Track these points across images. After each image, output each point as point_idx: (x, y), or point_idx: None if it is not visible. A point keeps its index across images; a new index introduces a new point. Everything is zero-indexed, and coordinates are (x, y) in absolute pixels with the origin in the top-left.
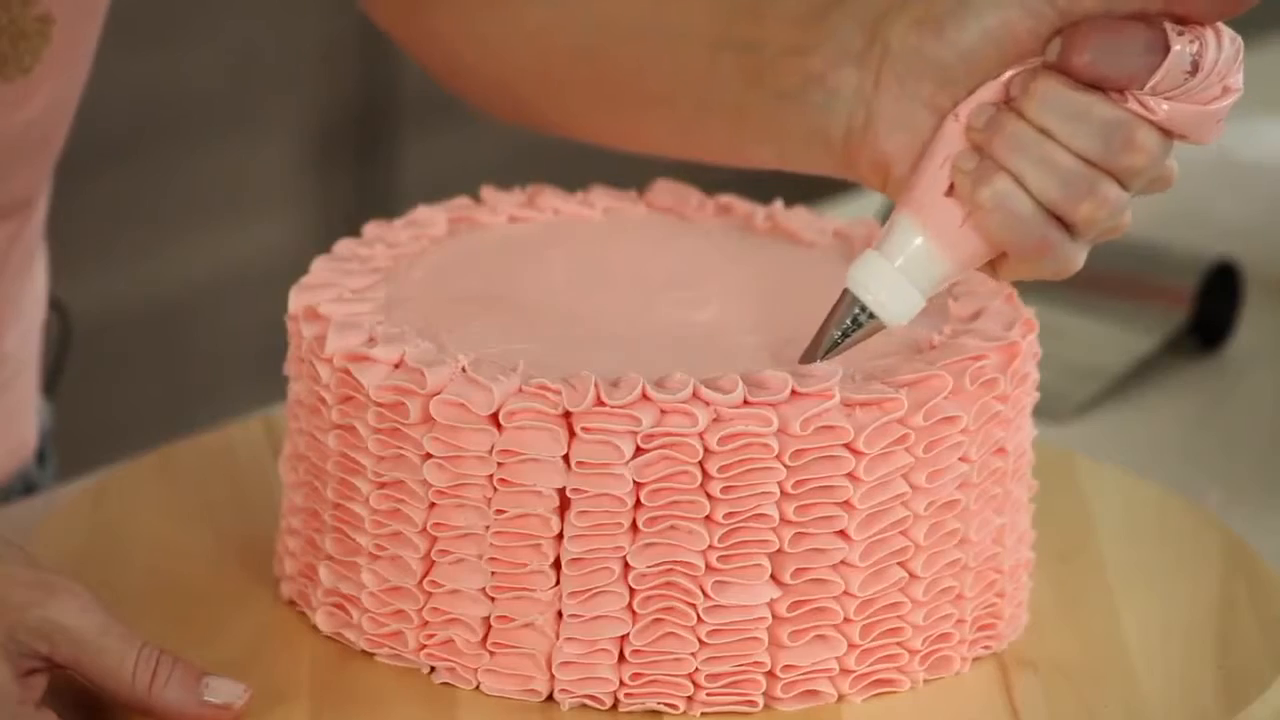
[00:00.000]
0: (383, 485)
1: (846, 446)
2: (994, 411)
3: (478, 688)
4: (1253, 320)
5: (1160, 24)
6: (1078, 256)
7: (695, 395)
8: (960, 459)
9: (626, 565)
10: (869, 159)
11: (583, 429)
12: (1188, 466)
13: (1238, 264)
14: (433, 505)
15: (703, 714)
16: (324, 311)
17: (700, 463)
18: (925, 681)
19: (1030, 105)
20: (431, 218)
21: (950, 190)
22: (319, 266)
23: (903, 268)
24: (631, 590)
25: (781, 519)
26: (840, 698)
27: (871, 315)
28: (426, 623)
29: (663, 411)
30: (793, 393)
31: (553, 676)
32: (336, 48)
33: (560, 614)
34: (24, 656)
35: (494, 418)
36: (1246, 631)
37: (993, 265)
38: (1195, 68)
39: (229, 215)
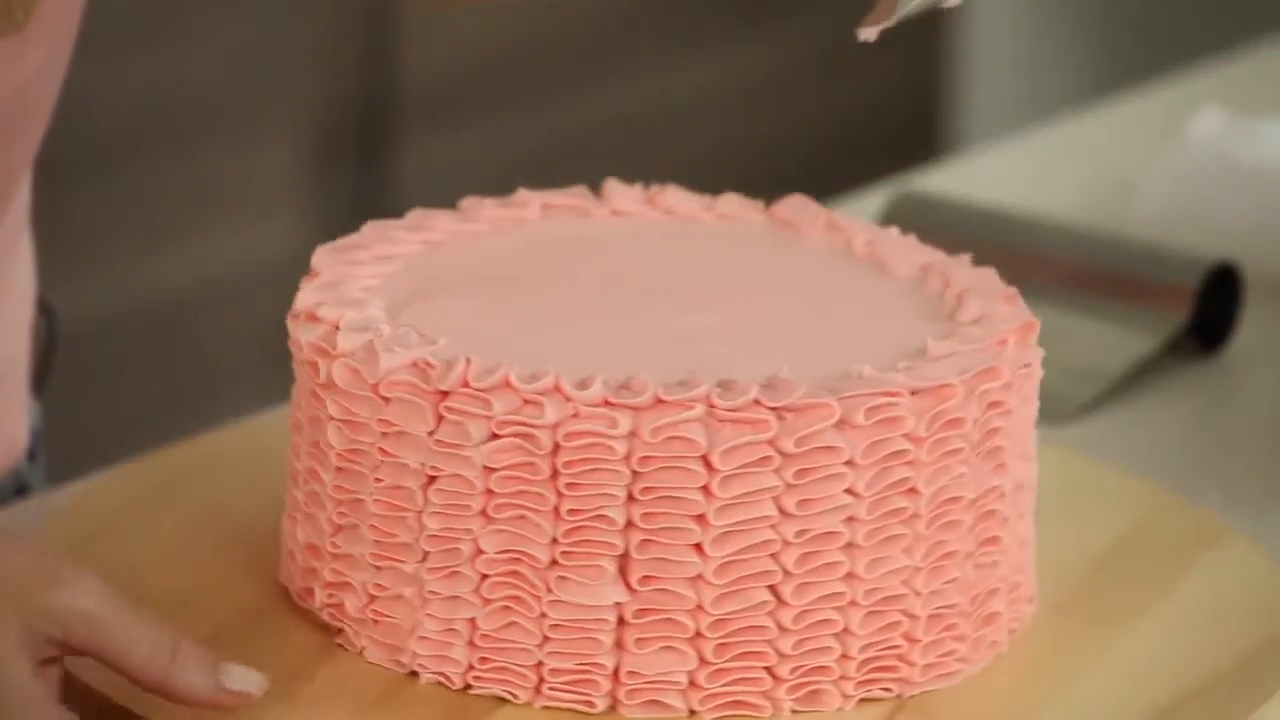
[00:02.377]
0: (311, 445)
1: (702, 460)
2: (896, 450)
3: (362, 653)
4: (1253, 322)
5: None
6: None
7: (556, 388)
8: (846, 491)
9: (478, 549)
10: None
11: (445, 408)
12: (1188, 467)
13: (1238, 265)
14: (338, 469)
15: (544, 707)
16: (316, 266)
17: (550, 456)
18: (795, 712)
19: None
20: (528, 199)
21: None
22: (351, 241)
23: None
24: (482, 575)
25: (628, 523)
26: (692, 713)
27: None
28: (329, 584)
29: (525, 401)
30: (656, 400)
31: (414, 651)
32: (337, 48)
33: (423, 589)
34: (41, 645)
35: (380, 387)
36: (1247, 633)
37: None
38: None
39: (229, 216)
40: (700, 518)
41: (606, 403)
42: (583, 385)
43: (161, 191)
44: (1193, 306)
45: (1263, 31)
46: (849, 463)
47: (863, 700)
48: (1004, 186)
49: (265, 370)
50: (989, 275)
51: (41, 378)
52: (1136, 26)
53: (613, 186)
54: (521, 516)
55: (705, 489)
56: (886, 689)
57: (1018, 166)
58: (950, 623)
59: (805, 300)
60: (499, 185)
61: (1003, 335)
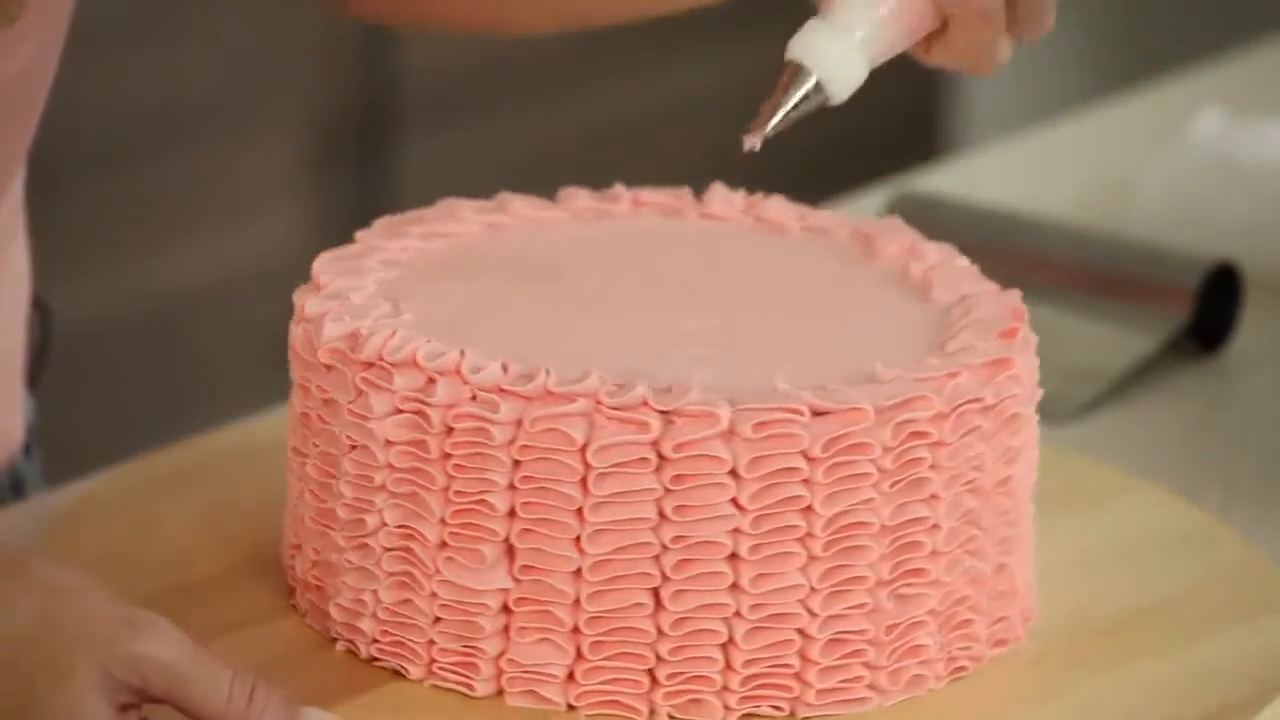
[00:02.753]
0: (291, 412)
1: (579, 454)
2: (788, 467)
3: (304, 615)
4: (1253, 321)
5: None
6: (1006, 48)
7: (456, 370)
8: (731, 502)
9: (383, 522)
10: None
11: (361, 380)
12: (1188, 467)
13: (1238, 265)
14: (301, 434)
15: (433, 686)
16: (359, 235)
17: (442, 436)
18: (671, 717)
19: None
20: (620, 194)
21: None
22: (417, 214)
23: (849, 37)
24: (384, 549)
25: (510, 511)
26: (570, 708)
27: (818, 87)
28: (291, 545)
29: (429, 380)
30: (545, 391)
31: (333, 618)
32: (337, 47)
33: (343, 558)
34: (118, 691)
35: (319, 354)
36: (1247, 633)
37: (927, 46)
38: None
39: (229, 215)
40: (578, 512)
41: (499, 389)
42: (480, 369)
43: (160, 191)
44: (1193, 306)
45: (1263, 31)
46: (733, 474)
47: (749, 715)
48: (1004, 186)
49: (265, 370)
50: (1013, 311)
51: (36, 373)
52: (1136, 26)
53: (716, 191)
54: (414, 494)
55: (582, 483)
56: (777, 707)
57: (1018, 166)
58: (856, 648)
59: (822, 317)
60: (499, 185)
61: (958, 369)
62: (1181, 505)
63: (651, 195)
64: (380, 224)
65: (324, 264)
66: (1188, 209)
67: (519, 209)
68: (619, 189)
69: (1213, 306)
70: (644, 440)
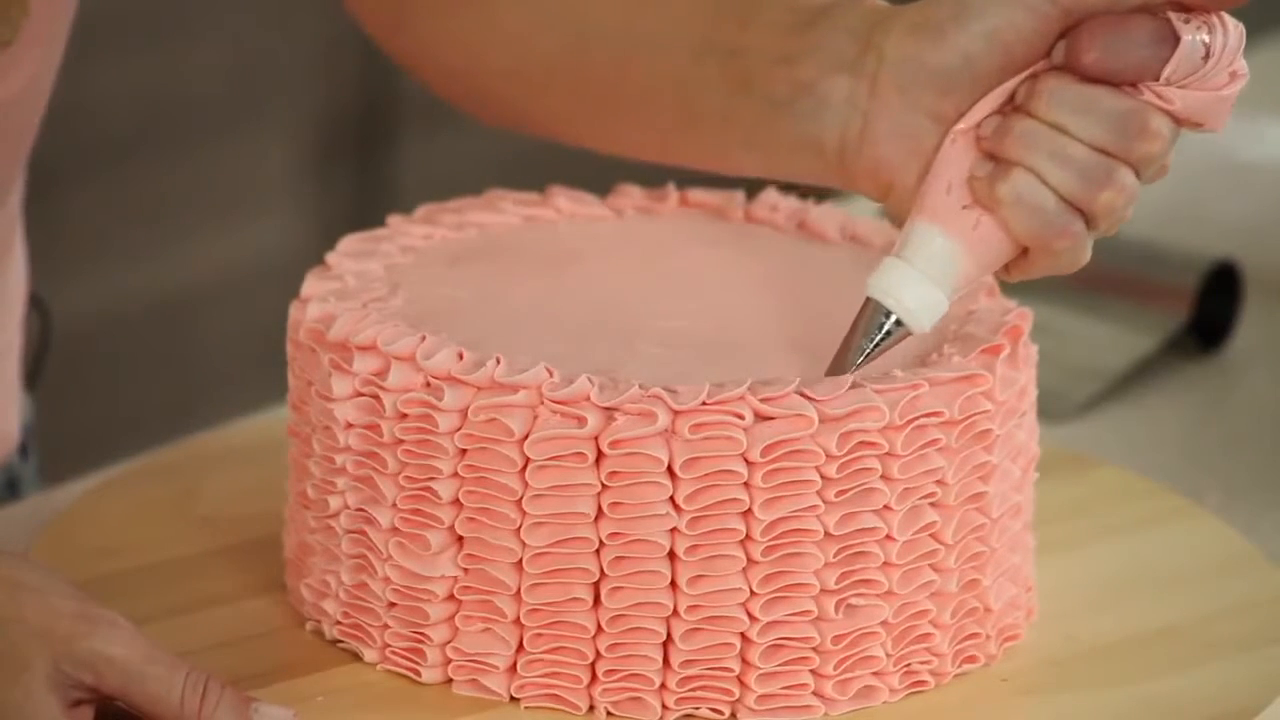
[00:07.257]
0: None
1: (518, 445)
2: (726, 469)
3: (290, 595)
4: (1253, 320)
5: (1164, 15)
6: (1089, 248)
7: (411, 355)
8: (669, 501)
9: (345, 504)
10: (867, 168)
11: (329, 361)
12: (1188, 466)
13: (1238, 264)
14: (291, 414)
15: (386, 670)
16: (390, 221)
17: (394, 420)
18: (611, 715)
19: (1040, 103)
20: (669, 193)
21: (966, 204)
22: (460, 203)
23: (927, 273)
24: (345, 530)
25: (454, 500)
26: (512, 698)
27: (899, 323)
28: (287, 523)
29: (386, 364)
30: (491, 381)
31: (303, 598)
32: (337, 48)
33: (313, 537)
34: (71, 688)
35: (298, 335)
36: (1247, 633)
37: (1006, 265)
38: (1207, 55)
39: (229, 215)
40: (518, 503)
41: (449, 376)
42: (432, 356)
43: (161, 191)
44: (1192, 306)
45: (1263, 31)
46: (670, 473)
47: (688, 716)
48: None
49: (265, 370)
50: (1008, 330)
51: (35, 374)
52: None
53: (769, 195)
54: (369, 477)
55: (522, 475)
56: (716, 709)
57: None
58: (801, 655)
59: (828, 324)
60: (499, 186)
61: (920, 381)
62: (1212, 527)
63: (700, 195)
64: (421, 210)
65: (345, 246)
66: (1188, 208)
67: (562, 203)
68: (670, 188)
69: (1212, 305)
70: (582, 434)
